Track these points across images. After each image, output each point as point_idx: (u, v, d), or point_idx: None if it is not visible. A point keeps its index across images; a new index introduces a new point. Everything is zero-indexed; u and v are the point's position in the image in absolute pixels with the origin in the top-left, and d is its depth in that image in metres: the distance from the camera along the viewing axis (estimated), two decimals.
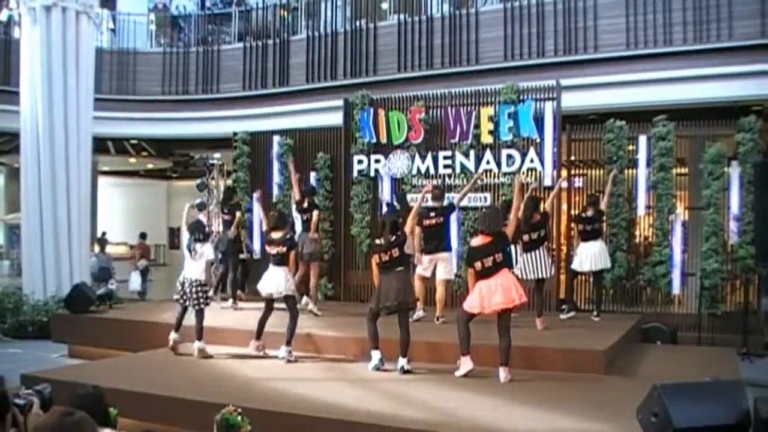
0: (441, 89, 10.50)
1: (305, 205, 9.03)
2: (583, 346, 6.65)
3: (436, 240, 7.99)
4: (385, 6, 13.55)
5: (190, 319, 7.21)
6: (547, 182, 9.32)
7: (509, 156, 9.64)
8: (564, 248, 10.30)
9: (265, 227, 7.99)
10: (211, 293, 8.93)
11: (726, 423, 3.47)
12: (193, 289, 7.07)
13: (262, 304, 7.29)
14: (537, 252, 7.74)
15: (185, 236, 7.33)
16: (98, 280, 12.03)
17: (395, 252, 6.37)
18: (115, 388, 5.61)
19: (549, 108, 9.50)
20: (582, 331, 7.56)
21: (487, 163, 9.72)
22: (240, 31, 14.58)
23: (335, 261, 10.89)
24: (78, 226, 11.32)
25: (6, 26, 14.19)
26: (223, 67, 14.22)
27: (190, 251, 7.12)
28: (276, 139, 11.45)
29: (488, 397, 5.41)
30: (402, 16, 12.51)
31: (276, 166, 11.36)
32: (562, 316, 8.35)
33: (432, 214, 7.95)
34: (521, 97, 9.68)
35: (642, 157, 9.58)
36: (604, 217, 8.85)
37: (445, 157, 10.06)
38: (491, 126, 9.76)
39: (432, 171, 10.10)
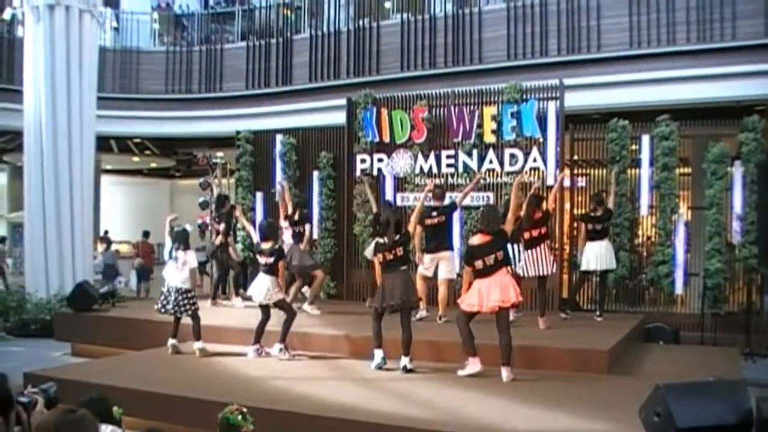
0: (444, 88, 10.49)
1: (296, 217, 9.00)
2: (586, 346, 6.64)
3: (437, 239, 8.00)
4: (388, 5, 13.56)
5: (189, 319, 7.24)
6: (550, 182, 9.29)
7: (512, 155, 9.62)
8: (567, 248, 10.29)
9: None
10: (208, 304, 9.05)
11: (728, 423, 3.48)
12: (179, 297, 7.08)
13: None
14: (538, 249, 7.70)
15: (168, 245, 7.39)
16: (106, 277, 12.07)
17: (399, 251, 6.38)
18: (119, 387, 5.66)
19: (552, 107, 9.48)
20: (585, 331, 7.55)
21: (490, 162, 9.70)
22: (243, 30, 14.61)
23: (338, 260, 10.89)
24: (81, 225, 11.34)
25: (9, 25, 14.26)
26: (226, 66, 14.25)
27: (173, 260, 7.13)
28: (279, 138, 11.44)
29: (491, 397, 5.40)
30: (405, 15, 12.53)
31: (279, 165, 11.36)
32: (563, 315, 8.35)
33: (434, 213, 7.95)
34: (524, 97, 9.64)
35: (645, 156, 9.56)
36: (612, 216, 8.84)
37: (448, 157, 10.03)
38: (494, 125, 9.73)
39: (435, 170, 10.07)
